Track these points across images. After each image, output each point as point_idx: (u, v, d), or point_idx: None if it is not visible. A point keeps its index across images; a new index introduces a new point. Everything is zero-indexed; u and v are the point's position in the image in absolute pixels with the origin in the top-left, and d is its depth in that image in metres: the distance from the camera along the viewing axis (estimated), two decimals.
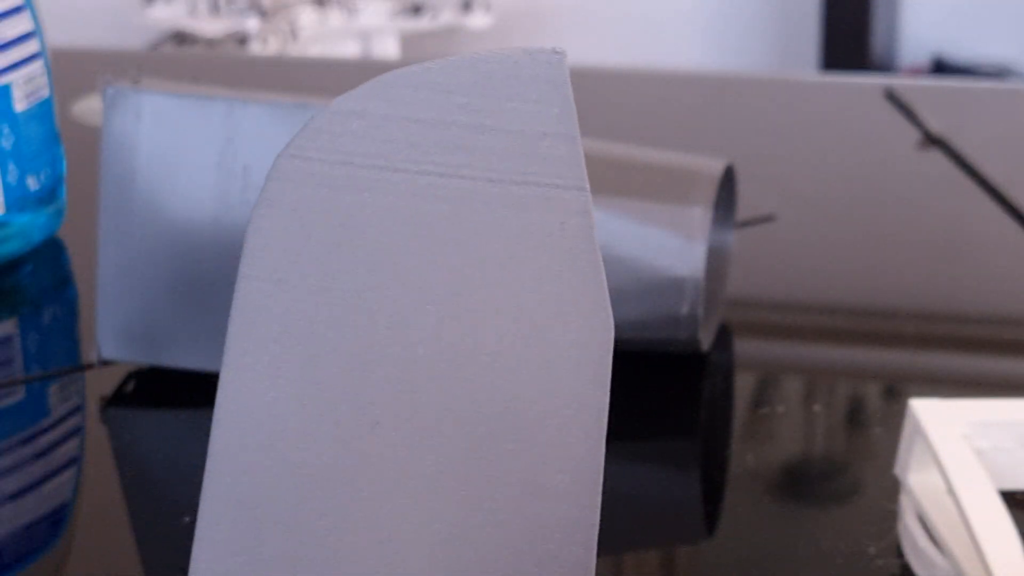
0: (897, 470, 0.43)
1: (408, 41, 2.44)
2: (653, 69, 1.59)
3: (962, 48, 2.55)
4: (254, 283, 0.31)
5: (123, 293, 0.50)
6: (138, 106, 0.50)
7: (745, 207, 0.62)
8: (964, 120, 0.85)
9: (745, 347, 0.57)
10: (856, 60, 2.43)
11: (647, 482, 0.47)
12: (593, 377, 0.30)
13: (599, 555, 0.31)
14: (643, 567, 0.44)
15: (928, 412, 0.41)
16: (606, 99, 0.89)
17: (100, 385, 0.52)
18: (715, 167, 0.53)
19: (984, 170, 0.74)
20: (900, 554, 0.42)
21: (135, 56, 1.33)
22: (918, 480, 0.42)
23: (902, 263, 0.65)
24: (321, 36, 2.33)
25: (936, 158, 0.78)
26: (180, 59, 1.55)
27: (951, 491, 0.38)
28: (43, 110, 0.64)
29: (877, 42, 2.47)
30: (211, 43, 2.29)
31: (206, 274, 0.50)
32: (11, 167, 0.62)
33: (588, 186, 0.30)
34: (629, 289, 0.50)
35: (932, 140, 0.80)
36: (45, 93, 0.64)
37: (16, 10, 0.62)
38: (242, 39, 2.28)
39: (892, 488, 0.43)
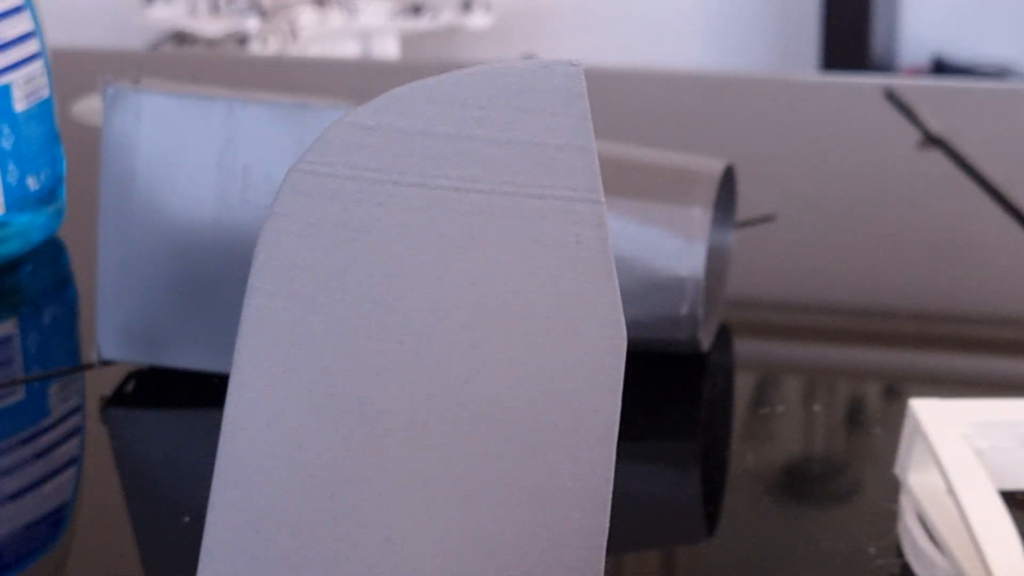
0: (897, 470, 0.43)
1: (408, 41, 2.44)
2: (653, 69, 1.59)
3: (962, 48, 2.55)
4: (265, 296, 0.31)
5: (123, 293, 0.50)
6: (138, 106, 0.50)
7: (745, 207, 0.62)
8: (964, 120, 0.85)
9: (745, 347, 0.57)
10: (856, 60, 2.43)
11: (647, 482, 0.47)
12: (606, 386, 0.30)
13: None
14: (643, 567, 0.44)
15: (928, 412, 0.41)
16: (606, 99, 0.89)
17: (100, 385, 0.52)
18: (715, 167, 0.53)
19: (984, 170, 0.74)
20: (900, 554, 0.42)
21: (135, 56, 1.33)
22: (918, 480, 0.42)
23: (902, 263, 0.65)
24: (321, 36, 2.32)
25: (936, 158, 0.78)
26: (180, 59, 1.55)
27: (951, 491, 0.38)
28: (43, 110, 0.64)
29: (877, 42, 2.47)
30: (211, 43, 2.29)
31: (206, 274, 0.50)
32: (11, 167, 0.62)
33: (603, 198, 0.30)
34: (629, 289, 0.50)
35: (932, 140, 0.80)
36: (45, 93, 0.64)
37: (16, 10, 0.62)
38: (242, 39, 2.28)
39: (892, 488, 0.43)
